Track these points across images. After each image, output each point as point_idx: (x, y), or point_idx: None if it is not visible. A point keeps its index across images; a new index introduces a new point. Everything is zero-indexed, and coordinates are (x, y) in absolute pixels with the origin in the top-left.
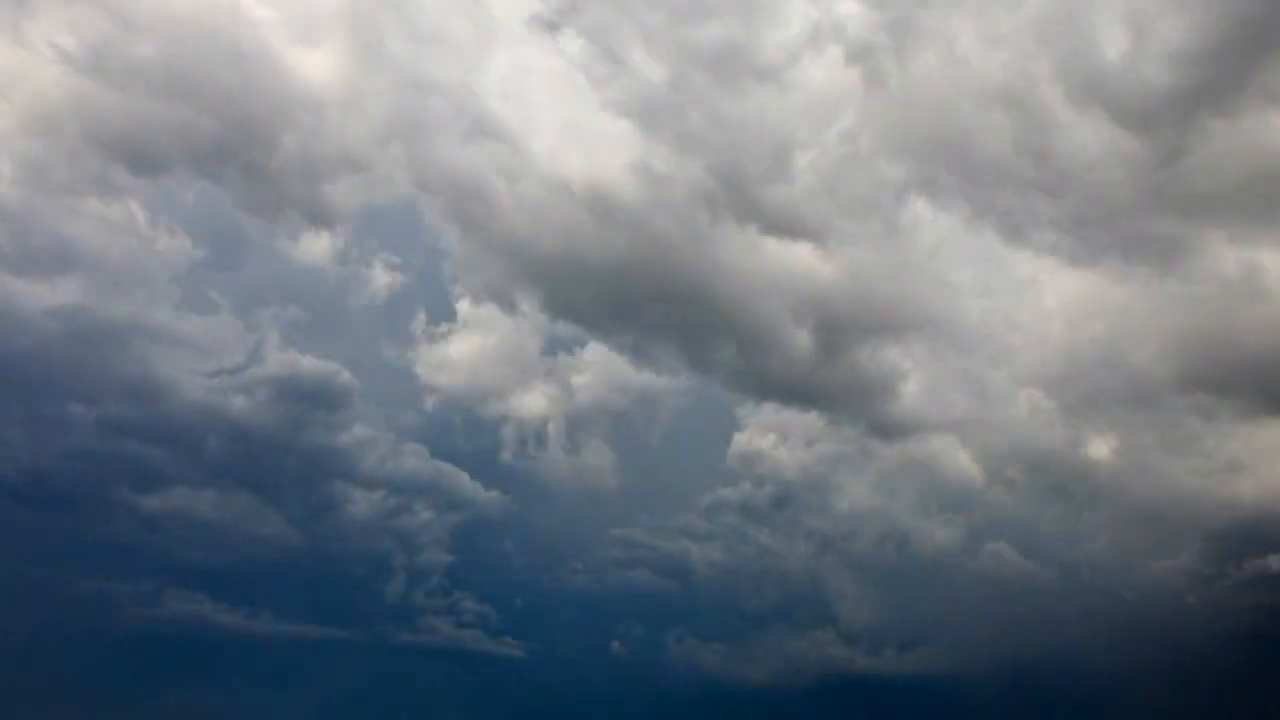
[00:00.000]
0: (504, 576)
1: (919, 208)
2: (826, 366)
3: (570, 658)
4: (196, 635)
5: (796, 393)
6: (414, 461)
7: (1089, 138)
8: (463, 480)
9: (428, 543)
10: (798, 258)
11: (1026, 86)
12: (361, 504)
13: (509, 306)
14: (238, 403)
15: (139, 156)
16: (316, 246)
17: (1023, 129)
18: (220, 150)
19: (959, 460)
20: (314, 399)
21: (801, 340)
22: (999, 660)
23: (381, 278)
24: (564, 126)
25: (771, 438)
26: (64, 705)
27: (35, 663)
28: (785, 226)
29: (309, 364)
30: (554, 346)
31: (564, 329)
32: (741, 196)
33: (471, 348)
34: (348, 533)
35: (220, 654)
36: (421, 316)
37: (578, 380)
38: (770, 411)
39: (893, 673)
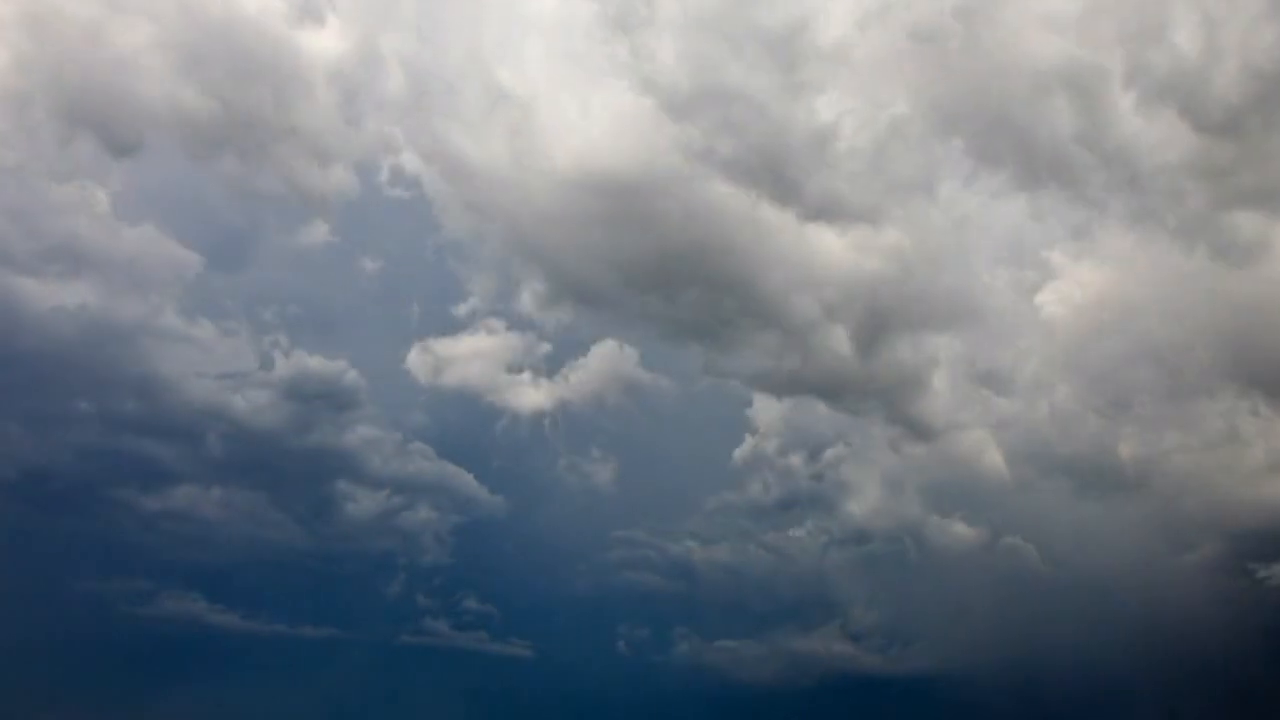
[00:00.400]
0: (510, 577)
1: (972, 197)
2: (855, 360)
3: (576, 658)
4: (200, 635)
5: (817, 387)
6: (419, 461)
7: (1156, 132)
8: (468, 480)
9: (432, 543)
10: (838, 245)
11: (1096, 79)
12: (366, 504)
13: (519, 300)
14: (239, 402)
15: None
16: (317, 236)
17: (1086, 121)
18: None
19: (987, 458)
20: (317, 398)
21: (832, 332)
22: (1015, 661)
23: (385, 270)
24: (585, 105)
25: (786, 434)
26: (64, 705)
27: (35, 663)
28: (827, 212)
29: (312, 362)
30: (564, 343)
31: (575, 324)
32: (781, 180)
33: (479, 344)
34: (352, 532)
35: (230, 654)
36: (428, 312)
37: (588, 378)
38: (785, 406)
39: (903, 673)
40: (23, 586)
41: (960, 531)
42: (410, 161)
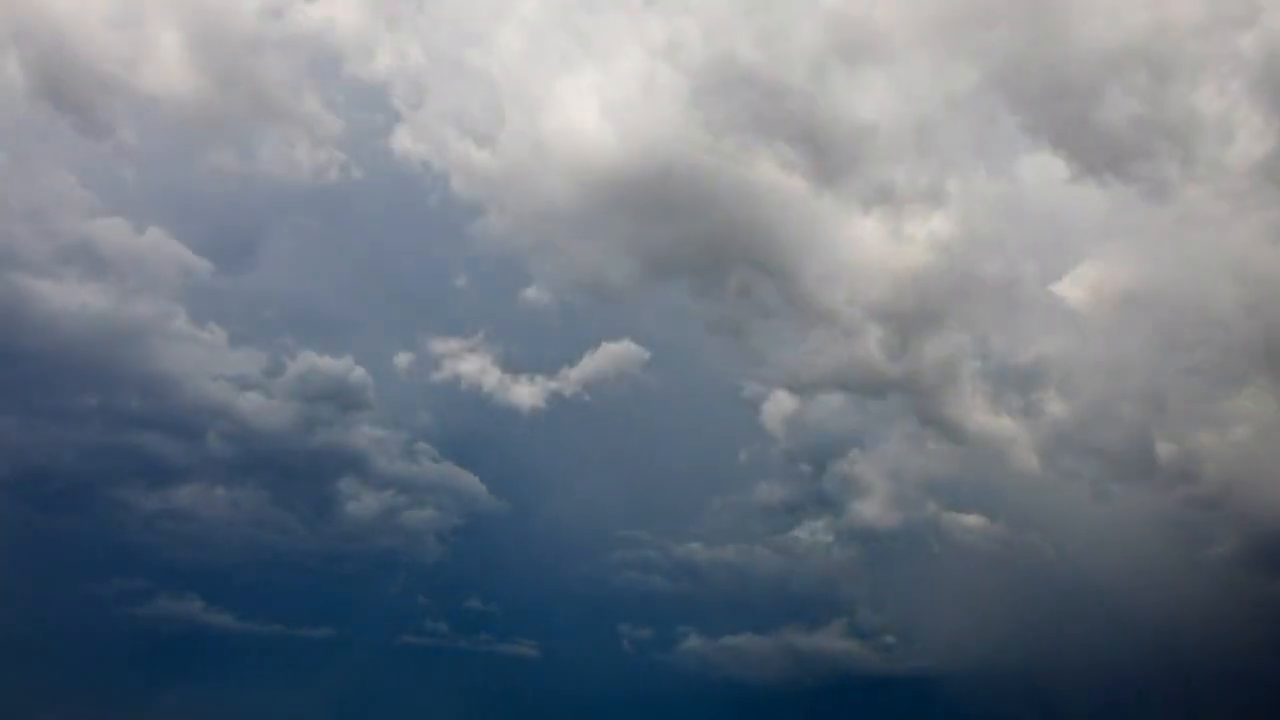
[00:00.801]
0: (515, 576)
1: (1026, 185)
2: (885, 354)
3: (583, 658)
4: (201, 635)
5: (839, 382)
6: (423, 461)
7: (1236, 125)
8: (471, 480)
9: (435, 543)
10: (881, 232)
11: (1176, 63)
12: (369, 503)
13: (528, 296)
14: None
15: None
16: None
17: (1160, 108)
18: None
19: (1018, 455)
20: (320, 398)
21: (863, 326)
22: (1033, 660)
23: (388, 265)
24: (604, 82)
25: (801, 431)
26: (64, 705)
27: (35, 662)
28: (871, 197)
29: (317, 361)
30: (573, 339)
31: (584, 320)
32: (822, 163)
33: (486, 342)
34: (355, 532)
35: (232, 654)
36: (433, 309)
37: (596, 375)
38: (802, 402)
39: (918, 673)
40: (25, 586)
41: (980, 529)
42: (414, 151)
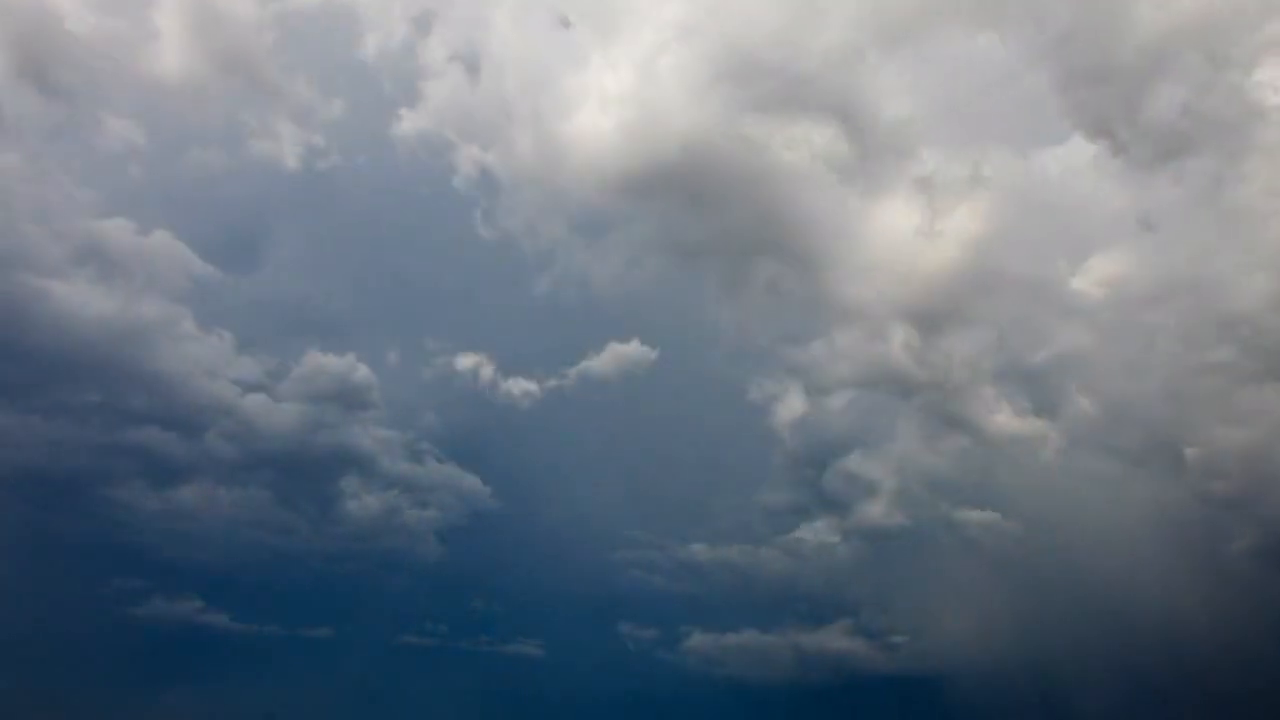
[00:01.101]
0: (519, 576)
1: (1058, 171)
2: (903, 350)
3: (586, 657)
4: (202, 634)
5: (855, 379)
6: (426, 461)
7: None
8: (475, 481)
9: (436, 543)
10: (908, 225)
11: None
12: (372, 503)
13: (533, 296)
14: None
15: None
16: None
17: (1206, 93)
18: None
19: (1036, 452)
20: (323, 397)
21: (884, 323)
22: (1041, 659)
23: (392, 263)
24: (626, 69)
25: (813, 429)
26: (64, 705)
27: (35, 662)
28: (898, 188)
29: (322, 360)
30: (579, 338)
31: (591, 316)
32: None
33: (491, 341)
34: (358, 533)
35: (234, 654)
36: (437, 307)
37: (602, 375)
38: (812, 400)
39: (930, 672)
40: (26, 585)
41: (991, 527)
42: (417, 146)
